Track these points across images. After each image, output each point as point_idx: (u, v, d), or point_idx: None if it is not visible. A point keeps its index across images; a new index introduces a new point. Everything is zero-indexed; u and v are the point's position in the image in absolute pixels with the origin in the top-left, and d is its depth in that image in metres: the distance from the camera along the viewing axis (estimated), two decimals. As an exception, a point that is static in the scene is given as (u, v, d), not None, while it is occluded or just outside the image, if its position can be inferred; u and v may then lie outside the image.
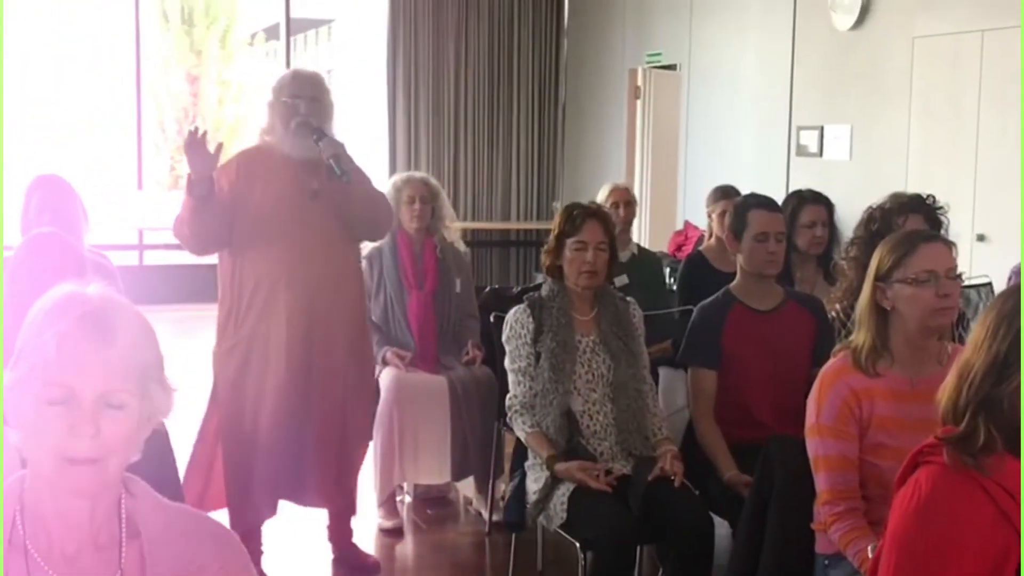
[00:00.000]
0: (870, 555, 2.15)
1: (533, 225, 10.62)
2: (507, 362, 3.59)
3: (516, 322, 3.56)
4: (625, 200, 5.39)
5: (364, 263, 4.65)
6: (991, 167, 6.26)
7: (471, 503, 5.01)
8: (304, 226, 3.84)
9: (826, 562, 2.72)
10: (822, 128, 7.59)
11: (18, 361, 1.49)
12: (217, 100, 21.03)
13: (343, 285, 3.95)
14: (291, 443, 3.91)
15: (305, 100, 3.87)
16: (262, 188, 3.85)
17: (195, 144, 3.65)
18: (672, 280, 6.45)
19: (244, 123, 24.83)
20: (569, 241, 3.54)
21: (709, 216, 5.49)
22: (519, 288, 5.52)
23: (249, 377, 3.88)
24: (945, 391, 1.98)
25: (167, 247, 12.48)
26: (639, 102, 9.76)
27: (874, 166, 7.09)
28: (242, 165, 3.91)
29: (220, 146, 3.69)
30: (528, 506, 3.53)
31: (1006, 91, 6.10)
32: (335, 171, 3.71)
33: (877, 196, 4.76)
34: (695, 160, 8.98)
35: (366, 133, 11.27)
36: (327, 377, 3.91)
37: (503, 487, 4.90)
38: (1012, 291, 1.96)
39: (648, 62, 9.56)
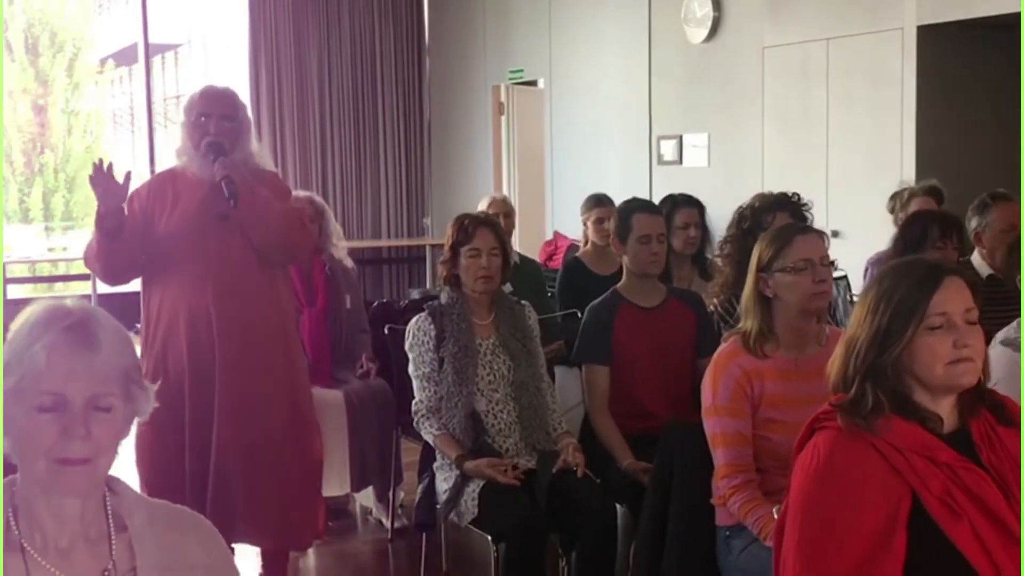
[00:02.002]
0: (775, 516, 2.35)
1: (404, 242, 10.75)
2: (411, 369, 3.73)
3: (418, 330, 3.70)
4: (504, 211, 5.58)
5: None
6: (841, 167, 6.66)
7: (370, 512, 5.12)
8: (209, 253, 3.66)
9: (727, 533, 2.93)
10: (681, 137, 7.93)
11: (6, 375, 1.59)
12: (66, 130, 20.51)
13: (255, 315, 3.72)
14: (202, 482, 3.69)
15: (215, 119, 3.70)
16: (170, 212, 3.70)
17: (101, 177, 3.48)
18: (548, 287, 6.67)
19: (94, 153, 24.23)
20: (463, 249, 3.70)
21: (584, 224, 5.71)
22: (407, 301, 5.66)
23: (161, 411, 3.70)
24: (834, 363, 2.21)
25: (20, 280, 12.22)
26: (503, 117, 10.00)
27: (732, 171, 7.45)
28: (154, 188, 3.77)
29: (128, 175, 3.54)
30: (438, 506, 3.67)
31: (852, 94, 6.51)
32: (224, 193, 3.57)
33: (736, 199, 5.08)
34: (561, 172, 9.24)
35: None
36: (237, 412, 3.68)
37: (402, 495, 5.05)
38: (888, 271, 2.20)
39: (510, 78, 9.81)
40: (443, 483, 3.64)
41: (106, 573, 1.64)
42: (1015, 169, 6.38)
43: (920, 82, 6.10)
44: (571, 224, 8.72)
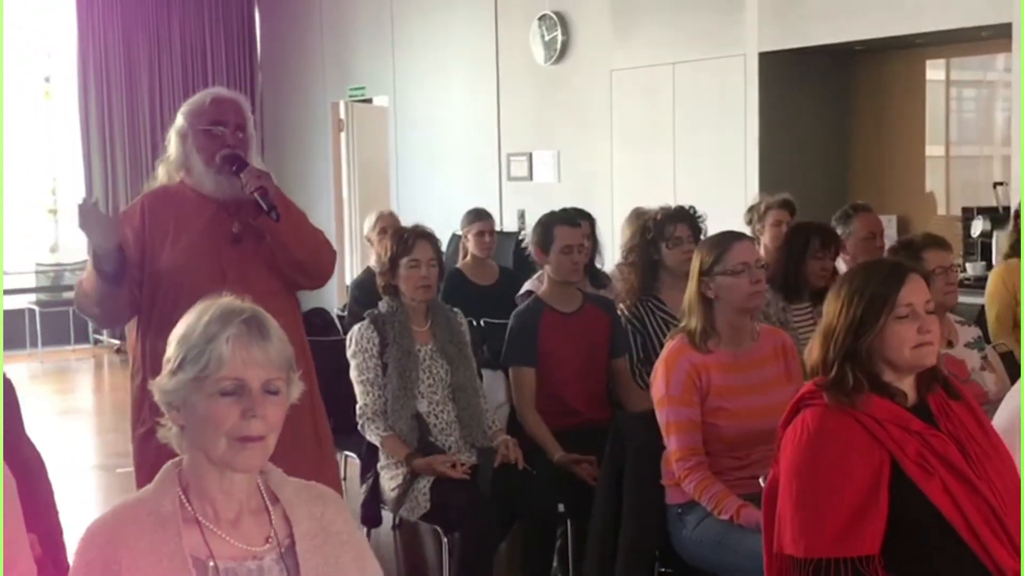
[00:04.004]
0: (762, 484, 2.67)
1: (241, 259, 10.71)
2: (354, 374, 3.91)
3: (362, 337, 3.90)
4: (392, 225, 5.78)
5: None
6: (688, 183, 7.13)
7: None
8: (227, 280, 3.00)
9: (679, 510, 3.25)
10: (531, 154, 8.29)
11: (183, 366, 1.76)
12: None
13: None
14: None
15: (231, 128, 3.22)
16: (173, 237, 3.19)
17: (87, 214, 3.00)
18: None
19: None
20: (403, 261, 3.91)
21: (465, 236, 5.98)
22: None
23: None
24: (812, 351, 2.56)
25: None
26: (343, 135, 10.14)
27: (581, 186, 7.84)
28: (148, 210, 3.22)
29: (117, 210, 3.20)
30: (385, 503, 3.87)
31: (698, 116, 7.00)
32: (262, 206, 3.08)
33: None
34: (407, 188, 9.45)
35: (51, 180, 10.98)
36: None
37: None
38: (856, 271, 2.57)
39: (351, 96, 9.96)
40: (390, 481, 3.83)
41: (269, 540, 1.85)
42: (846, 183, 7.04)
43: (762, 105, 6.63)
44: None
